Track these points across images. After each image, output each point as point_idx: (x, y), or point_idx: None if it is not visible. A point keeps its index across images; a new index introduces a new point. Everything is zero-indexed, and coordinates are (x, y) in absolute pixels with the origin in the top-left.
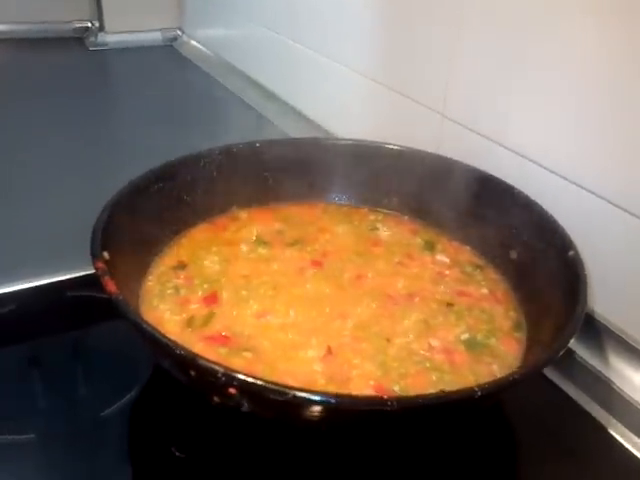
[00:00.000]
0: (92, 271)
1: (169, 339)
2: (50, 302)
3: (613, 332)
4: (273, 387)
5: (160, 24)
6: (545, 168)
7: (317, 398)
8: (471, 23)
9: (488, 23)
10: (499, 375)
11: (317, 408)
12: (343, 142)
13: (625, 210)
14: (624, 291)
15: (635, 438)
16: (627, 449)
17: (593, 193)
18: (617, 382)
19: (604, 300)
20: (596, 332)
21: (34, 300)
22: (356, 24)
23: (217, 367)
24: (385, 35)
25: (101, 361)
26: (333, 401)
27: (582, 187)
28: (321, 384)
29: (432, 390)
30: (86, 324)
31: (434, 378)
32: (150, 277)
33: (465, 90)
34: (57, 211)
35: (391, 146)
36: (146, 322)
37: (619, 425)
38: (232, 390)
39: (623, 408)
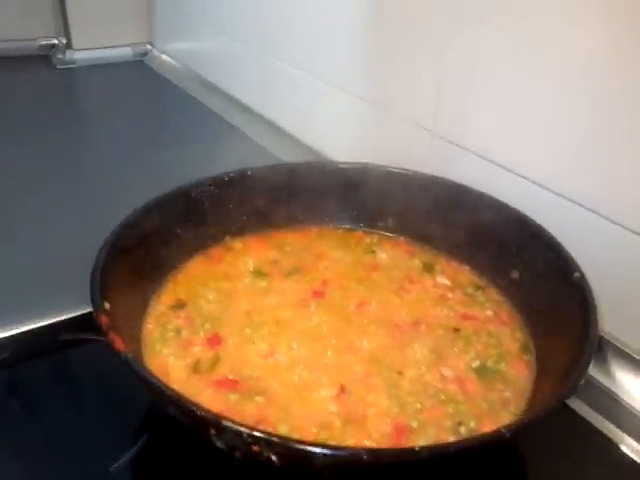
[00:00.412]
0: (85, 311)
1: (191, 402)
2: (43, 346)
3: (618, 348)
4: (302, 447)
5: (129, 39)
6: (541, 185)
7: (347, 454)
8: (460, 36)
9: (477, 38)
10: (512, 402)
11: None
12: (335, 166)
13: (626, 228)
14: (629, 307)
15: None
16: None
17: (592, 211)
18: (625, 397)
19: (609, 316)
20: (601, 348)
21: (26, 345)
22: (335, 37)
23: (243, 428)
24: (368, 49)
25: (101, 408)
26: (365, 457)
27: (581, 205)
28: (338, 426)
29: (449, 422)
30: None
31: (450, 410)
32: (149, 319)
33: (455, 107)
34: (35, 250)
35: (384, 168)
36: (167, 386)
37: (630, 440)
38: (257, 448)
39: (632, 423)
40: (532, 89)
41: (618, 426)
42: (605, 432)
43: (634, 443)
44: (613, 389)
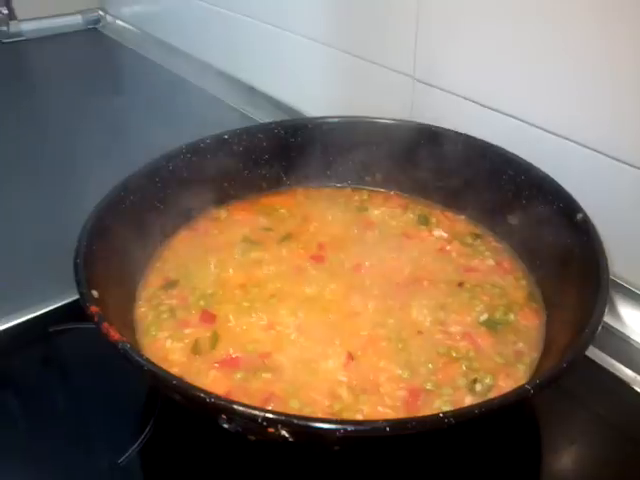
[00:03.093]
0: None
1: (199, 389)
2: (34, 338)
3: (627, 288)
4: (321, 426)
5: (78, 5)
6: (532, 124)
7: (367, 428)
8: None
9: None
10: (526, 353)
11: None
12: (314, 121)
13: (628, 164)
14: (635, 245)
15: None
16: None
17: (591, 148)
18: (634, 337)
19: (614, 257)
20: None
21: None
22: None
23: (257, 412)
24: None
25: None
26: (387, 429)
27: (578, 143)
28: (350, 396)
29: (464, 380)
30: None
31: (464, 367)
32: (140, 302)
33: (435, 49)
34: (16, 238)
35: (365, 119)
36: (171, 374)
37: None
38: (272, 430)
39: None
40: (516, 26)
41: (629, 367)
42: (616, 373)
43: None
44: (621, 330)
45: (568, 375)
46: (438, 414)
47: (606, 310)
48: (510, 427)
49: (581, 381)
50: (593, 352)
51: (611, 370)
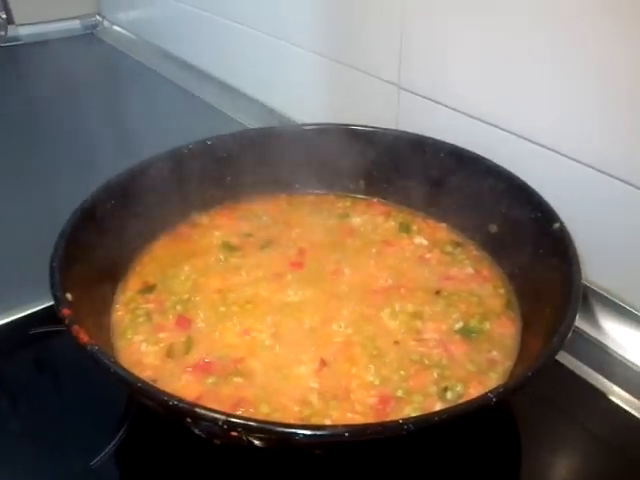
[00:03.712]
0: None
1: (163, 393)
2: (14, 341)
3: (603, 296)
4: (278, 429)
5: (76, 11)
6: (515, 134)
7: (326, 433)
8: None
9: None
10: (499, 361)
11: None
12: (298, 128)
13: (608, 174)
14: (612, 254)
15: (636, 401)
16: (628, 412)
17: (571, 158)
18: (612, 346)
19: (592, 265)
20: (586, 298)
21: None
22: None
23: (218, 415)
24: (327, 2)
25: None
26: (346, 434)
27: (559, 152)
28: (320, 402)
29: (435, 388)
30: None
31: (435, 375)
32: (117, 305)
33: (420, 58)
34: None
35: (349, 127)
36: (135, 377)
37: (619, 390)
38: (235, 434)
39: (621, 373)
40: (503, 36)
41: (606, 376)
42: (594, 383)
43: (623, 392)
44: (600, 339)
45: (536, 383)
46: (398, 420)
47: (576, 320)
48: (492, 438)
49: (559, 390)
50: (570, 361)
51: (589, 380)
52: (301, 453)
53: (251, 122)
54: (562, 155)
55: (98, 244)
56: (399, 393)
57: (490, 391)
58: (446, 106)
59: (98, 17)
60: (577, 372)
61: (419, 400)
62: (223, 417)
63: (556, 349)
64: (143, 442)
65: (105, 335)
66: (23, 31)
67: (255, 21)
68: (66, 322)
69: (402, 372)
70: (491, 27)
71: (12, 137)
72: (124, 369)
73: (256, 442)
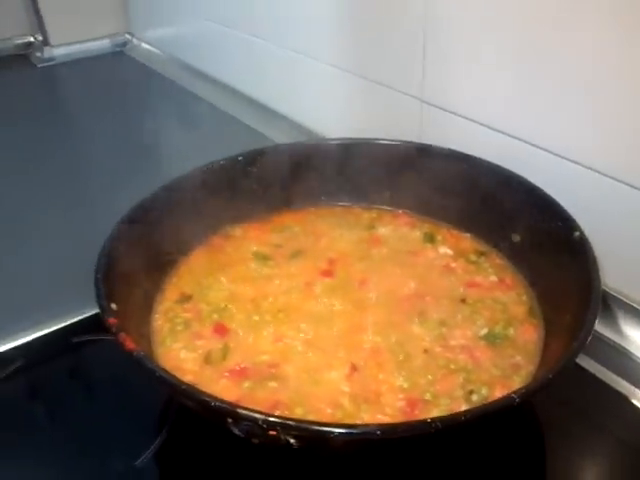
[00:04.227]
0: (93, 312)
1: (206, 394)
2: (57, 349)
3: (624, 302)
4: (315, 427)
5: (107, 30)
6: (536, 145)
7: (359, 431)
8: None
9: (461, 4)
10: (523, 366)
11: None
12: (327, 143)
13: (625, 183)
14: (632, 261)
15: None
16: None
17: (590, 168)
18: (634, 351)
19: (613, 272)
20: (608, 304)
21: (40, 350)
22: (318, 11)
23: (258, 415)
24: (351, 19)
25: (119, 406)
26: (379, 432)
27: (578, 163)
28: (352, 405)
29: (461, 391)
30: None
31: (461, 379)
32: (157, 315)
33: (441, 72)
34: (38, 256)
35: (375, 140)
36: (180, 380)
37: None
38: (273, 433)
39: None
40: (524, 49)
41: (629, 380)
42: (616, 387)
43: None
44: (622, 344)
45: (560, 388)
46: (426, 419)
47: (595, 325)
48: (517, 442)
49: (583, 395)
50: (593, 366)
51: (611, 384)
52: (334, 452)
53: (279, 137)
54: (584, 166)
55: (137, 256)
56: (427, 396)
57: (514, 392)
58: (468, 119)
59: (127, 35)
60: (599, 376)
61: (446, 403)
62: (262, 417)
63: (576, 352)
64: (182, 443)
65: (146, 343)
66: (57, 52)
67: (281, 37)
68: (113, 330)
69: (429, 376)
70: (515, 41)
71: (53, 154)
72: (170, 373)
73: (292, 441)
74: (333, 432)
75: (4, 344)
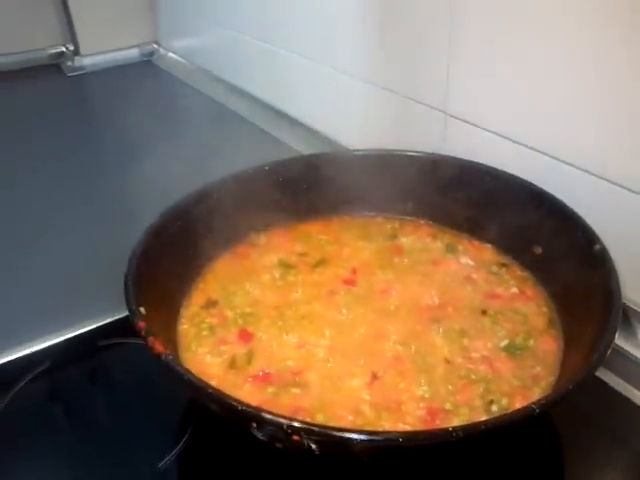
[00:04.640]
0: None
1: (232, 398)
2: (82, 352)
3: None
4: (337, 433)
5: (135, 40)
6: (558, 159)
7: (381, 438)
8: (468, 13)
9: (486, 12)
10: (543, 377)
11: (381, 446)
12: (351, 154)
13: None
14: None
15: None
16: None
17: (612, 182)
18: None
19: (632, 284)
20: (628, 318)
21: (66, 353)
22: (343, 24)
23: (282, 420)
24: (375, 32)
25: (143, 409)
26: (400, 440)
27: (600, 177)
28: (372, 413)
29: (481, 402)
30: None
31: (481, 390)
32: (183, 320)
33: (466, 85)
34: (67, 259)
35: (399, 152)
36: (208, 384)
37: None
38: (297, 438)
39: None
40: (550, 62)
41: None
42: (635, 400)
43: None
44: None
45: (579, 400)
46: (447, 428)
47: (615, 338)
48: (536, 453)
49: (602, 407)
50: (612, 379)
51: (630, 397)
52: (355, 459)
53: (304, 148)
54: (607, 180)
55: (165, 262)
56: (447, 406)
57: (533, 403)
58: (492, 132)
59: (155, 45)
60: (619, 389)
61: (466, 412)
62: (287, 422)
63: (596, 364)
64: (205, 446)
65: (172, 347)
66: (87, 61)
67: (307, 50)
68: (142, 334)
69: (450, 386)
70: (538, 55)
71: (81, 158)
72: (197, 377)
73: (314, 446)
74: (356, 439)
75: (31, 347)
